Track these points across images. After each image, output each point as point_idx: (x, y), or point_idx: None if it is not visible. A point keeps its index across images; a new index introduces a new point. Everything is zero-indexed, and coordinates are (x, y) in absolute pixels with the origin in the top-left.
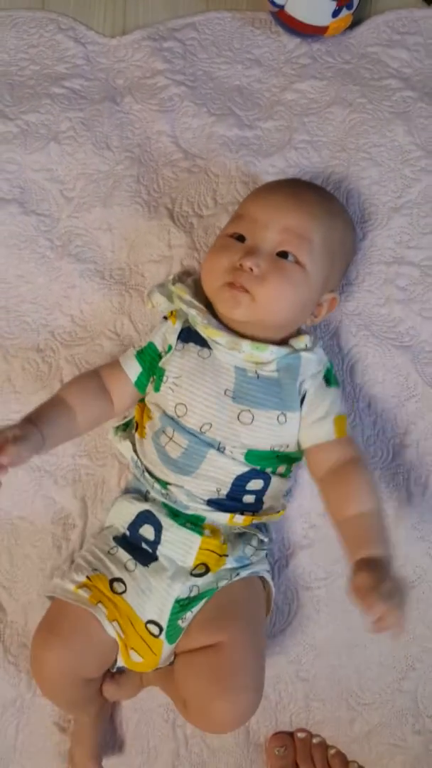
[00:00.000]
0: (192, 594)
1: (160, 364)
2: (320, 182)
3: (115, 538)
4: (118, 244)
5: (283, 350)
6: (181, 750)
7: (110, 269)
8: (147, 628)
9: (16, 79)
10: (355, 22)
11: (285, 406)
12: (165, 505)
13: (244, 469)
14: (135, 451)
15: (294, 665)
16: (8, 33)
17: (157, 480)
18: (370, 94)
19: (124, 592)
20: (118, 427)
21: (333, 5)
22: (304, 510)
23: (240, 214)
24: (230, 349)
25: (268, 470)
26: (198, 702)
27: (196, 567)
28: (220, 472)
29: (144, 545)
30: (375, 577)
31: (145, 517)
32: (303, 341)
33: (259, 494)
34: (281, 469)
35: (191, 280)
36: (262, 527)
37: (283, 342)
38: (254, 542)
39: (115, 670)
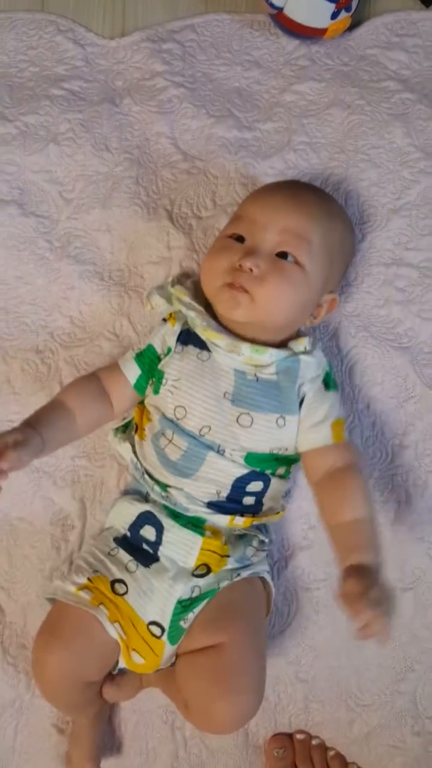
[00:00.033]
0: (194, 594)
1: (159, 366)
2: (319, 184)
3: (116, 540)
4: (117, 245)
5: (282, 353)
6: (180, 751)
7: (109, 270)
8: (149, 629)
9: (15, 80)
10: (354, 24)
11: (284, 409)
12: (165, 507)
13: (243, 471)
14: (135, 453)
15: (293, 666)
16: (8, 35)
17: (157, 482)
18: (368, 96)
19: (126, 593)
20: (117, 429)
21: (332, 7)
22: (304, 511)
23: (239, 215)
24: (229, 352)
25: (268, 472)
26: (199, 703)
27: (197, 567)
28: (220, 474)
29: (145, 546)
30: (364, 583)
31: (145, 518)
32: (302, 343)
33: (259, 496)
34: (281, 470)
35: (190, 282)
36: (262, 528)
37: (282, 344)
38: (255, 543)
39: (116, 672)
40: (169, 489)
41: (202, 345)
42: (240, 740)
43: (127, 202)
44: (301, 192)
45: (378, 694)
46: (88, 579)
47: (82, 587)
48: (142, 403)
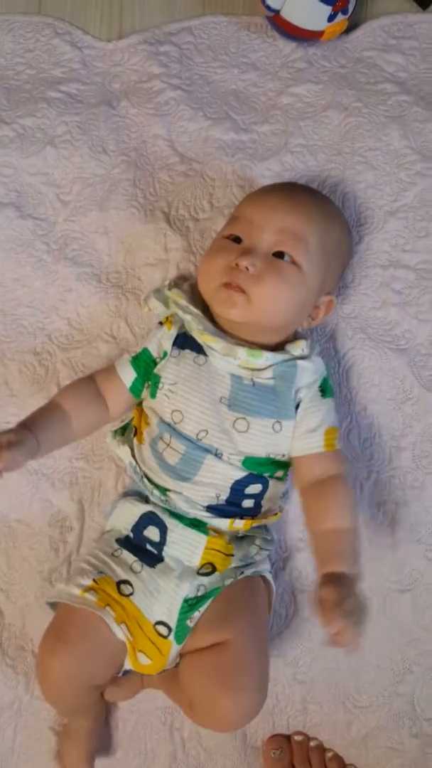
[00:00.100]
0: (199, 593)
1: (156, 370)
2: (316, 186)
3: (118, 541)
4: (115, 247)
5: (279, 356)
6: (178, 753)
7: (107, 273)
8: (156, 629)
9: (12, 83)
10: (351, 27)
11: (280, 414)
12: (166, 509)
13: (242, 474)
14: (133, 456)
15: (291, 668)
16: (5, 37)
17: (156, 486)
18: (365, 98)
19: (132, 594)
20: (116, 431)
21: (329, 10)
22: (301, 513)
23: (236, 216)
24: (225, 356)
25: (266, 475)
26: (204, 701)
27: (202, 566)
28: (218, 477)
29: (149, 547)
30: (340, 592)
31: (148, 519)
32: (300, 346)
33: (258, 498)
34: (279, 473)
35: (188, 285)
36: (262, 528)
37: (279, 347)
38: (258, 542)
39: (121, 674)
40: (168, 493)
41: (198, 349)
42: (238, 741)
43: (124, 205)
44: (298, 193)
45: (376, 695)
46: (94, 580)
47: (88, 589)
48: (140, 406)
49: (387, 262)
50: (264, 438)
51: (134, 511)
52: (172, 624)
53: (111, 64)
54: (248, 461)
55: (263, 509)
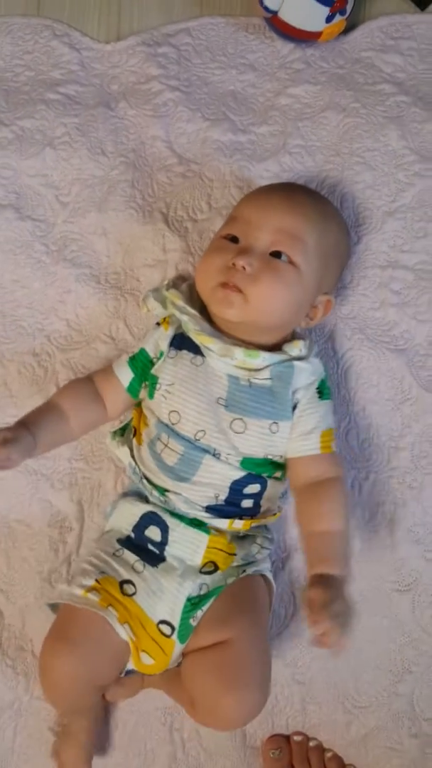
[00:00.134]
0: (202, 592)
1: (153, 371)
2: (314, 186)
3: (119, 541)
4: (113, 248)
5: (276, 357)
6: (178, 753)
7: (105, 274)
8: (159, 629)
9: (11, 85)
10: (349, 28)
11: (277, 415)
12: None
13: (240, 474)
14: (133, 457)
15: (290, 668)
16: (4, 39)
17: (156, 487)
18: (363, 98)
19: (135, 593)
20: (115, 432)
21: (326, 11)
22: None
23: (234, 216)
24: (222, 356)
25: (264, 475)
26: (206, 699)
27: (204, 565)
28: (217, 477)
29: (150, 547)
30: (329, 593)
31: (149, 519)
32: (297, 346)
33: (257, 498)
34: (277, 473)
35: (186, 285)
36: (263, 527)
37: (277, 347)
38: (259, 540)
39: (124, 674)
40: (167, 494)
41: (196, 350)
42: (238, 742)
43: (122, 206)
44: (296, 193)
45: (375, 696)
46: (96, 580)
47: (90, 589)
48: (140, 407)
49: (385, 262)
50: (261, 439)
51: (135, 511)
52: (175, 623)
53: (109, 66)
54: (246, 462)
55: (262, 509)
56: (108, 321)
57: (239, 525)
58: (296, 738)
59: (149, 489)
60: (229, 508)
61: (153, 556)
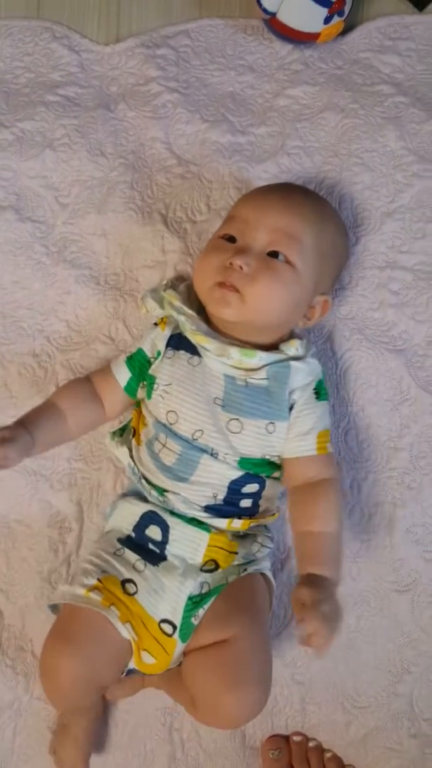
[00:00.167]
0: (203, 590)
1: (150, 371)
2: (313, 187)
3: (120, 540)
4: (113, 249)
5: (272, 356)
6: (178, 753)
7: (105, 275)
8: (160, 628)
9: (11, 87)
10: (348, 29)
11: (274, 415)
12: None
13: (238, 474)
14: (132, 457)
15: (289, 668)
16: (4, 41)
17: (154, 487)
18: (362, 99)
19: (136, 592)
20: (114, 432)
21: (325, 12)
22: None
23: (232, 216)
24: (218, 356)
25: (263, 475)
26: (207, 698)
27: (205, 563)
28: (215, 477)
29: (151, 546)
30: (318, 594)
31: (149, 518)
32: (294, 346)
33: (255, 498)
34: (275, 473)
35: (184, 285)
36: (263, 526)
37: (274, 346)
38: (260, 539)
39: (124, 674)
40: (166, 493)
41: (193, 350)
42: (237, 742)
43: (122, 207)
44: (294, 193)
45: (374, 696)
46: (98, 580)
47: (92, 588)
48: (139, 407)
49: (384, 263)
50: (257, 439)
51: (135, 510)
52: (177, 622)
53: (108, 68)
54: (244, 461)
55: (261, 509)
56: (107, 322)
57: (238, 525)
58: (295, 738)
59: (148, 489)
60: (227, 507)
61: (154, 555)
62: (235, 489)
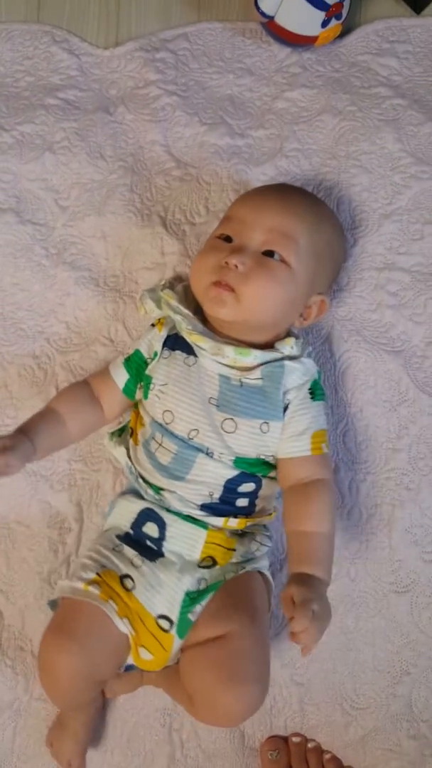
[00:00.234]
0: (201, 587)
1: (147, 371)
2: (311, 190)
3: (118, 537)
4: (112, 251)
5: (267, 355)
6: (177, 754)
7: (104, 277)
8: (157, 623)
9: (11, 90)
10: (345, 32)
11: (268, 415)
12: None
13: (234, 473)
14: (129, 456)
15: (288, 669)
16: (4, 45)
17: (150, 485)
18: (360, 102)
19: (134, 588)
20: (113, 433)
21: (322, 15)
22: None
23: (228, 216)
24: (214, 355)
25: (259, 474)
26: (205, 695)
27: (203, 560)
28: (211, 476)
29: (149, 543)
30: (308, 593)
31: (146, 515)
32: (289, 344)
33: (252, 497)
34: (272, 473)
35: (181, 286)
36: (261, 526)
37: (269, 345)
38: (258, 538)
39: (122, 669)
40: (162, 492)
41: (189, 350)
42: (236, 743)
43: (121, 209)
44: (290, 193)
45: (373, 697)
46: (97, 574)
47: (91, 582)
48: (137, 407)
49: (382, 264)
50: (252, 438)
51: (132, 508)
52: (174, 617)
53: (108, 71)
54: (239, 461)
55: (257, 508)
56: (107, 323)
57: (234, 523)
58: (295, 739)
59: (144, 487)
60: (223, 506)
61: (151, 551)
62: (231, 488)
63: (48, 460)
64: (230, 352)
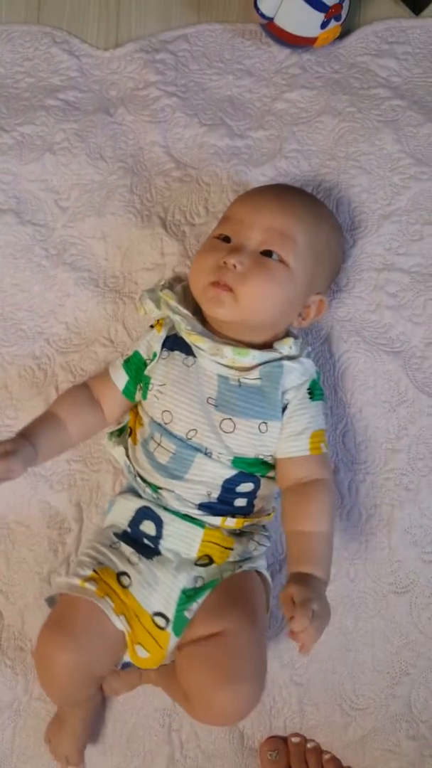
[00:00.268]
0: (197, 584)
1: (146, 371)
2: (310, 190)
3: (116, 535)
4: (112, 252)
5: (265, 355)
6: (176, 754)
7: (104, 277)
8: (153, 621)
9: (11, 91)
10: (345, 33)
11: (267, 415)
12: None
13: (232, 472)
14: (128, 456)
15: (288, 670)
16: (4, 47)
17: (149, 485)
18: (359, 103)
19: (130, 585)
20: (112, 433)
21: (321, 17)
22: None
23: (227, 216)
24: (212, 355)
25: (257, 474)
26: (200, 693)
27: (199, 558)
28: (209, 475)
29: (146, 541)
30: (308, 593)
31: (144, 513)
32: (287, 344)
33: (250, 497)
34: (270, 473)
35: (180, 286)
36: (259, 526)
37: (268, 345)
38: (257, 538)
39: (119, 667)
40: (160, 491)
41: (188, 350)
42: (235, 743)
43: (121, 210)
44: (288, 193)
45: (373, 697)
46: (94, 571)
47: (88, 579)
48: (136, 407)
49: (381, 265)
50: (250, 438)
51: (130, 506)
52: (170, 615)
53: (108, 72)
54: (238, 461)
55: (256, 508)
56: (107, 324)
57: (231, 523)
58: (294, 739)
59: (142, 486)
60: (221, 506)
61: (148, 549)
62: (229, 488)
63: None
64: (229, 353)
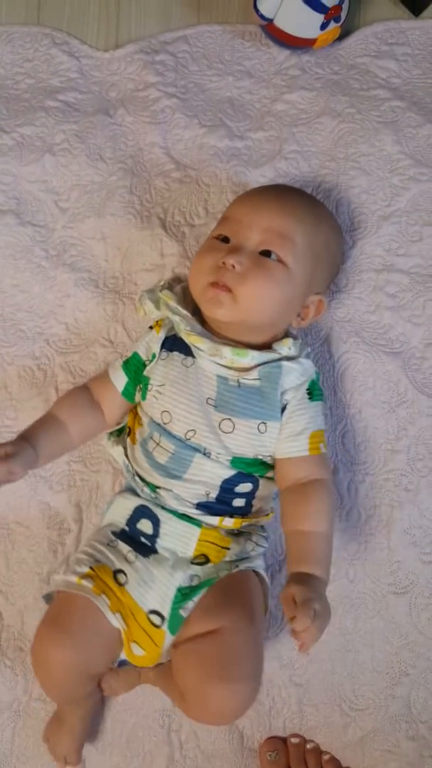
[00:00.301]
0: (193, 583)
1: (145, 372)
2: (310, 191)
3: (114, 533)
4: (112, 253)
5: (264, 356)
6: (176, 755)
7: (104, 278)
8: (149, 619)
9: (11, 92)
10: (344, 34)
11: (266, 415)
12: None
13: (231, 473)
14: (126, 455)
15: (287, 670)
16: (4, 48)
17: (147, 484)
18: (359, 104)
19: (126, 583)
20: (112, 433)
21: (321, 18)
22: None
23: (226, 217)
24: (211, 356)
25: (256, 474)
26: (196, 692)
27: (196, 557)
28: (208, 475)
29: (143, 539)
30: (308, 593)
31: (141, 512)
32: (287, 345)
33: (249, 497)
34: (269, 473)
35: (180, 287)
36: (258, 527)
37: (267, 346)
38: (254, 538)
39: (116, 665)
40: (158, 490)
41: (187, 351)
42: (235, 744)
43: (121, 211)
44: (287, 194)
45: (372, 698)
46: (91, 568)
47: (84, 576)
48: (135, 407)
49: (380, 266)
50: (249, 439)
51: (128, 504)
52: (166, 613)
53: (108, 73)
54: (236, 461)
55: (254, 508)
56: (106, 325)
57: (229, 523)
58: (293, 740)
59: (141, 486)
60: (219, 506)
61: (145, 548)
62: (227, 488)
63: None
64: (228, 353)
